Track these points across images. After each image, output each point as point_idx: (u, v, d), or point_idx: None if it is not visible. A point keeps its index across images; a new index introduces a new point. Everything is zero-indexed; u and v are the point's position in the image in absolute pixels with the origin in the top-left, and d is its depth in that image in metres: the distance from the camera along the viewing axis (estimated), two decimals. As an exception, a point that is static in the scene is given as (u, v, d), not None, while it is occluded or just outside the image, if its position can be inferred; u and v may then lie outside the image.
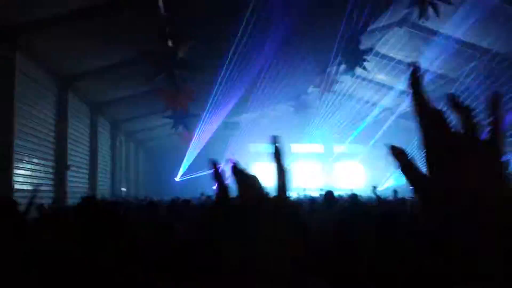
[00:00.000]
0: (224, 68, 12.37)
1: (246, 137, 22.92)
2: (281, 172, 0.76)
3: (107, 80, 13.39)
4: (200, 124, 17.09)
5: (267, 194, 0.76)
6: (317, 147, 28.47)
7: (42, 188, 11.41)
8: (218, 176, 0.76)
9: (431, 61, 15.72)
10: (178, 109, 13.78)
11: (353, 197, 7.51)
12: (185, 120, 14.74)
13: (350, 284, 2.73)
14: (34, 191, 6.59)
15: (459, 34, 13.74)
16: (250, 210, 0.71)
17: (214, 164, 0.76)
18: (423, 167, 0.67)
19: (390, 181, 25.39)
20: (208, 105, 15.13)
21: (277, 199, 0.74)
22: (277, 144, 0.75)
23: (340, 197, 11.20)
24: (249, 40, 11.19)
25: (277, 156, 0.78)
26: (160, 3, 8.69)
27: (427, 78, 16.75)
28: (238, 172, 0.74)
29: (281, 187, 0.74)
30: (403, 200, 7.80)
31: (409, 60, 16.14)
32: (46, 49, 10.55)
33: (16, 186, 9.70)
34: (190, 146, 19.62)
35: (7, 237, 3.53)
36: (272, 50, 12.18)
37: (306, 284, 0.66)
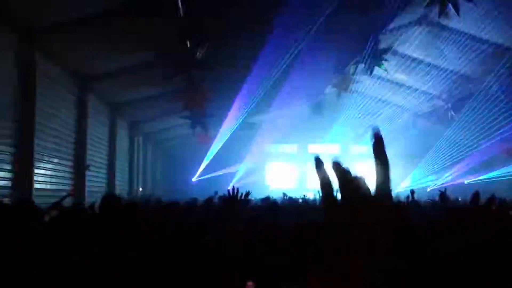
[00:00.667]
0: (242, 68, 12.36)
1: (263, 138, 22.88)
2: (384, 168, 0.68)
3: (126, 81, 13.48)
4: (217, 125, 17.11)
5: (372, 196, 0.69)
6: (334, 148, 28.28)
7: (61, 187, 11.58)
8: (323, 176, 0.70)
9: (450, 60, 15.49)
10: (196, 110, 13.85)
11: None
12: (202, 120, 14.80)
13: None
14: (67, 195, 6.70)
15: (479, 32, 13.48)
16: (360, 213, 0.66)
17: (319, 161, 0.71)
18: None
19: (407, 181, 25.15)
20: (226, 105, 15.12)
21: (383, 201, 0.67)
22: (378, 135, 0.66)
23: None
24: (268, 41, 11.16)
25: (379, 148, 0.69)
26: (179, 4, 8.70)
27: (447, 78, 16.55)
28: (342, 171, 0.68)
29: (385, 185, 0.67)
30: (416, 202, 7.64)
31: (429, 59, 15.93)
32: (66, 50, 10.67)
33: (36, 186, 9.83)
34: (207, 146, 19.68)
35: (22, 236, 3.54)
36: (291, 50, 12.14)
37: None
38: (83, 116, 13.00)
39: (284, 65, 13.07)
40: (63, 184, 11.82)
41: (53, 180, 11.21)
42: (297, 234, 2.89)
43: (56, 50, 10.41)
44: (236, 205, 3.78)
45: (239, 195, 3.73)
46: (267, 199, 9.17)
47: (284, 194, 10.56)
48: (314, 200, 11.07)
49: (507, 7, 11.68)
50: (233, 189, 3.60)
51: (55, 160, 11.37)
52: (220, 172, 24.12)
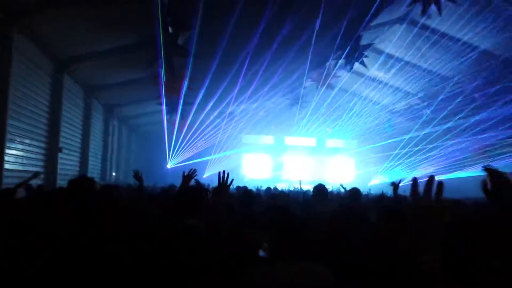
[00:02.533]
0: (222, 57, 12.29)
1: (241, 128, 22.89)
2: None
3: (103, 64, 13.25)
4: (195, 112, 17.01)
5: None
6: (310, 141, 28.53)
7: (33, 169, 11.33)
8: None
9: (428, 60, 15.77)
10: (174, 96, 13.72)
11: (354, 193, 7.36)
12: (179, 107, 14.68)
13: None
14: (35, 174, 6.57)
15: (460, 33, 13.75)
16: None
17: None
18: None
19: (380, 177, 25.61)
20: (204, 93, 15.03)
21: None
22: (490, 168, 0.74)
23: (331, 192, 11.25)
24: (248, 30, 11.12)
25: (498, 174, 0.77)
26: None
27: (424, 77, 16.87)
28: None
29: None
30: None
31: (407, 57, 16.17)
32: (45, 30, 10.39)
33: (7, 166, 9.61)
34: (183, 133, 19.55)
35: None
36: (272, 42, 12.11)
37: None
38: (58, 98, 12.73)
39: (265, 57, 13.06)
40: (34, 165, 11.57)
41: (25, 161, 10.97)
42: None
43: (34, 30, 10.11)
44: (227, 190, 3.83)
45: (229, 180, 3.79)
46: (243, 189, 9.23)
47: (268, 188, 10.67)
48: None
49: (488, 11, 11.95)
50: (223, 173, 3.63)
51: (27, 141, 11.12)
52: (196, 160, 24.03)
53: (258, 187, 11.58)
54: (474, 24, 12.65)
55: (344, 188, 9.52)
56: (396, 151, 23.20)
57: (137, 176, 5.52)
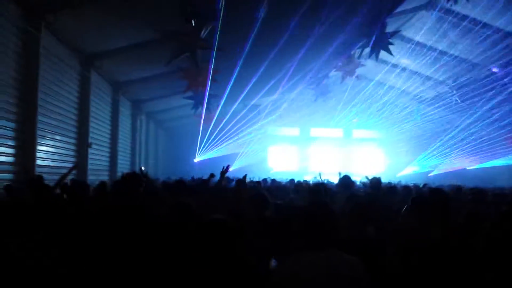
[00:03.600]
0: (247, 49, 12.23)
1: (266, 120, 22.83)
2: None
3: (129, 59, 13.40)
4: (220, 106, 17.04)
5: None
6: (337, 132, 28.23)
7: (64, 165, 11.61)
8: None
9: (456, 46, 15.32)
10: (199, 90, 13.75)
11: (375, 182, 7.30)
12: (205, 101, 14.72)
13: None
14: (75, 166, 7.00)
15: (488, 18, 13.30)
16: None
17: None
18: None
19: (411, 167, 25.16)
20: (230, 86, 15.02)
21: None
22: None
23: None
24: (273, 22, 11.02)
25: None
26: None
27: (452, 64, 16.39)
28: None
29: None
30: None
31: (435, 44, 15.75)
32: (71, 27, 10.57)
33: (39, 162, 9.85)
34: (209, 127, 19.64)
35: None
36: (295, 33, 11.98)
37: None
38: (86, 94, 12.96)
39: (289, 48, 12.93)
40: (65, 161, 11.84)
41: (55, 157, 11.23)
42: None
43: (60, 27, 10.29)
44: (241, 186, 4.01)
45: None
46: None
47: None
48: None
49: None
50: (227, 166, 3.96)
51: (58, 137, 11.38)
52: (222, 153, 24.14)
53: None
54: (502, 7, 12.20)
55: (368, 180, 9.40)
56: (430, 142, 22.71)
57: (141, 172, 5.97)
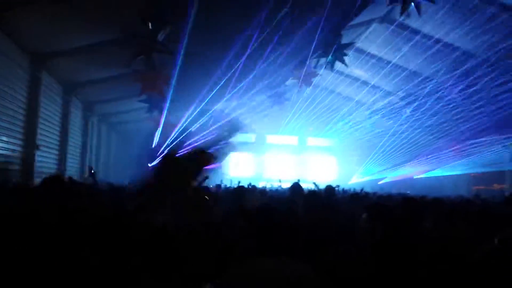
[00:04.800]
0: (203, 54, 12.23)
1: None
2: None
3: (82, 60, 13.04)
4: (176, 110, 16.87)
5: None
6: (292, 139, 28.65)
7: (10, 167, 11.12)
8: None
9: (408, 59, 15.97)
10: (154, 94, 13.57)
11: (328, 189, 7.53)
12: (160, 104, 14.55)
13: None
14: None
15: (439, 34, 13.96)
16: None
17: None
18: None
19: (359, 175, 25.89)
20: (186, 91, 14.92)
21: None
22: None
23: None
24: (230, 28, 11.07)
25: None
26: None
27: (403, 75, 17.08)
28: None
29: None
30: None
31: (387, 56, 16.36)
32: (22, 25, 10.18)
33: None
34: (166, 131, 19.37)
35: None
36: (253, 40, 12.09)
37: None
38: (35, 94, 12.49)
39: (246, 55, 13.03)
40: (11, 163, 11.35)
41: (1, 159, 10.74)
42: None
43: (10, 24, 9.90)
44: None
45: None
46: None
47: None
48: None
49: (463, 10, 12.17)
50: None
51: (4, 138, 10.89)
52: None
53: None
54: (454, 24, 12.87)
55: (316, 186, 9.86)
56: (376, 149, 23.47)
57: (90, 172, 5.74)
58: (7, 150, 11.19)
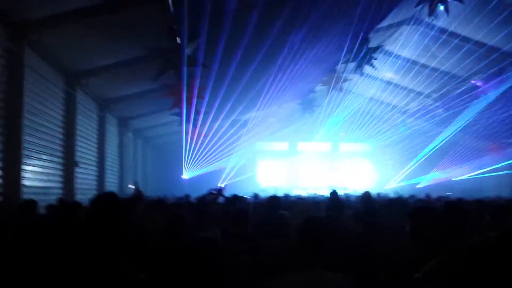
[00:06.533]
0: (233, 65, 12.35)
1: (254, 135, 22.88)
2: None
3: (115, 77, 13.40)
4: (207, 122, 17.08)
5: None
6: (325, 146, 28.37)
7: (51, 184, 11.51)
8: None
9: (440, 60, 15.62)
10: (186, 106, 13.79)
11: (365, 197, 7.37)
12: (192, 117, 14.75)
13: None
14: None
15: (469, 32, 13.62)
16: None
17: None
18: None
19: (398, 179, 25.35)
20: (216, 102, 15.10)
21: None
22: None
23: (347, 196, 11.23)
24: (258, 38, 11.15)
25: None
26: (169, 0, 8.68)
27: (435, 76, 16.70)
28: None
29: None
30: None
31: (417, 58, 16.06)
32: (55, 46, 10.57)
33: (25, 183, 9.73)
34: (197, 143, 19.63)
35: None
36: (281, 49, 12.14)
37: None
38: (72, 112, 12.90)
39: (275, 63, 13.08)
40: (52, 181, 11.74)
41: (43, 177, 11.11)
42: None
43: (44, 45, 10.30)
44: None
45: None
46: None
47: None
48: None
49: (493, 8, 11.82)
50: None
51: (44, 157, 11.28)
52: (210, 169, 24.07)
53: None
54: (482, 20, 12.51)
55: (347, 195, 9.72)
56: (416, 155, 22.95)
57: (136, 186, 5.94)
58: (48, 168, 11.57)
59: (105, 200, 4.08)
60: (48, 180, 11.48)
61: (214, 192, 6.42)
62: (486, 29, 12.85)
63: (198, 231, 4.01)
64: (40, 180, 10.96)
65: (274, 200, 6.07)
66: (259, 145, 27.20)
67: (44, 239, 3.80)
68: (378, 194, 12.94)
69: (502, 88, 15.25)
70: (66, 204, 6.61)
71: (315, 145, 27.77)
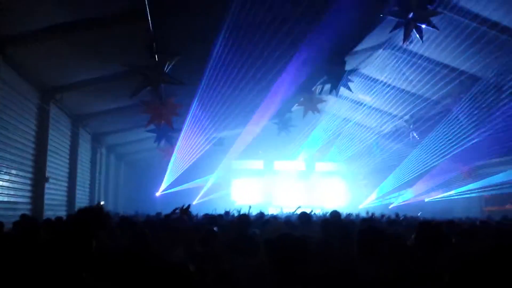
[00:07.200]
0: (210, 83, 12.39)
1: (229, 154, 22.86)
2: None
3: (90, 92, 13.27)
4: (182, 139, 16.99)
5: None
6: (300, 165, 28.54)
7: (20, 200, 11.19)
8: None
9: (413, 84, 16.04)
10: (162, 124, 13.69)
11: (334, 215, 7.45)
12: (168, 134, 14.65)
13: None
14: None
15: (442, 57, 14.06)
16: None
17: None
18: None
19: (370, 199, 25.66)
20: (191, 120, 15.07)
21: None
22: None
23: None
24: (233, 56, 11.24)
25: None
26: (149, 17, 8.68)
27: (409, 100, 17.11)
28: None
29: None
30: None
31: (392, 81, 16.45)
32: (30, 60, 10.43)
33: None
34: (172, 160, 19.47)
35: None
36: (257, 68, 12.25)
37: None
38: (45, 127, 12.67)
39: (252, 82, 13.17)
40: (21, 196, 11.43)
41: (11, 192, 10.82)
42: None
43: (18, 60, 10.15)
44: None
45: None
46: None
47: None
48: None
49: (466, 35, 12.27)
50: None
51: (13, 171, 10.99)
52: (185, 186, 23.88)
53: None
54: (456, 47, 12.97)
55: (324, 213, 9.87)
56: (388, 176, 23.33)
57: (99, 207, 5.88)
58: (17, 183, 11.27)
59: (89, 213, 4.01)
60: (17, 195, 11.16)
61: (177, 211, 6.39)
62: (457, 54, 13.32)
63: (162, 250, 3.98)
64: (9, 195, 10.65)
65: (244, 219, 6.08)
66: (235, 163, 27.17)
67: (10, 256, 3.71)
68: (349, 214, 13.15)
69: (472, 112, 15.72)
70: (30, 220, 6.46)
71: (290, 164, 27.93)
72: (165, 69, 9.95)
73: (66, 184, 15.42)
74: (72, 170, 15.87)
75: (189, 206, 6.30)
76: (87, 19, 9.19)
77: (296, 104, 16.16)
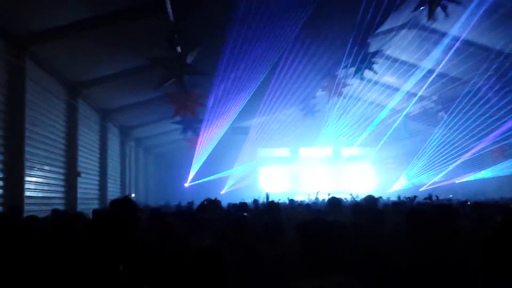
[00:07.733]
0: (233, 73, 12.38)
1: (255, 142, 22.88)
2: None
3: (116, 87, 13.44)
4: (208, 129, 17.09)
5: None
6: (326, 151, 28.33)
7: (53, 195, 11.51)
8: None
9: (440, 63, 15.64)
10: (187, 115, 13.79)
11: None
12: (194, 125, 14.75)
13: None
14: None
15: (468, 35, 13.64)
16: None
17: None
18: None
19: (399, 183, 25.29)
20: (217, 110, 15.12)
21: None
22: None
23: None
24: (258, 44, 11.20)
25: None
26: (169, 10, 8.70)
27: (436, 80, 16.70)
28: None
29: None
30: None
31: (418, 62, 16.08)
32: (56, 57, 10.63)
33: (28, 194, 9.75)
34: (199, 151, 19.63)
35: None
36: (281, 55, 12.18)
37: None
38: (74, 123, 12.94)
39: (275, 69, 13.12)
40: (54, 191, 11.75)
41: (45, 187, 11.13)
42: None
43: (45, 57, 10.35)
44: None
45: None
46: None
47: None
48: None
49: (492, 10, 11.85)
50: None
51: (46, 168, 11.29)
52: (213, 177, 24.09)
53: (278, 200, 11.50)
54: (482, 23, 12.54)
55: (353, 198, 9.61)
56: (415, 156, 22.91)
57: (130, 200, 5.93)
58: (50, 179, 11.58)
59: (123, 204, 4.09)
60: (50, 191, 11.48)
61: (206, 203, 6.42)
62: (485, 31, 12.89)
63: (190, 239, 4.03)
64: (43, 190, 10.96)
65: (273, 205, 6.09)
66: (261, 151, 27.21)
67: (47, 250, 3.80)
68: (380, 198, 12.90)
69: (502, 90, 15.25)
70: (61, 214, 6.57)
71: (316, 150, 27.75)
72: (187, 60, 10.01)
73: (97, 178, 15.76)
74: (103, 164, 16.20)
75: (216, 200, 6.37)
76: (109, 14, 9.30)
77: (320, 89, 16.01)
